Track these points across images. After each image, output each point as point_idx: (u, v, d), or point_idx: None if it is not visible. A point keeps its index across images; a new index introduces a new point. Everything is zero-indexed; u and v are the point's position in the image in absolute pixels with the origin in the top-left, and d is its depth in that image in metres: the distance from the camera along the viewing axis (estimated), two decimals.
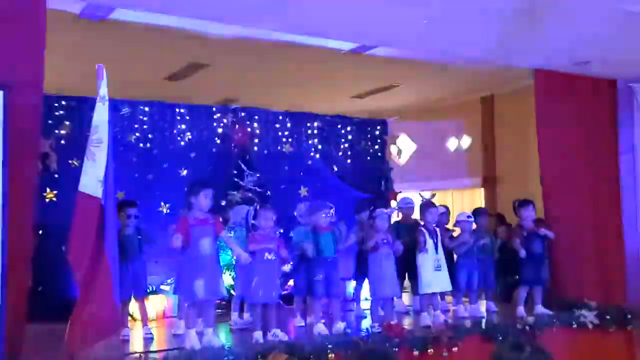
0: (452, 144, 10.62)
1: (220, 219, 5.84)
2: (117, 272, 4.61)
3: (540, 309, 6.63)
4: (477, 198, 10.68)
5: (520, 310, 6.61)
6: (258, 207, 6.08)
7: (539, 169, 7.50)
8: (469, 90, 10.04)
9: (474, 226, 7.02)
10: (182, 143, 7.71)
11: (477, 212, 7.25)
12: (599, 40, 6.52)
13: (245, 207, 6.78)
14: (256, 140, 8.18)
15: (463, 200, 10.87)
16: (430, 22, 5.88)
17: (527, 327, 5.94)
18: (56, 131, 7.01)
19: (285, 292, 7.34)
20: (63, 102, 7.08)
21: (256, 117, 8.24)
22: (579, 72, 7.50)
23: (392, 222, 6.99)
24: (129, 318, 6.07)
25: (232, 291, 6.68)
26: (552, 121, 7.48)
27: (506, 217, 8.25)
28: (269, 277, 5.55)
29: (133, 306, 6.13)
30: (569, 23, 6.03)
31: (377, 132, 9.19)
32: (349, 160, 8.90)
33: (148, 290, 6.38)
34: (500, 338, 5.58)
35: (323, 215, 5.95)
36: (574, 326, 6.25)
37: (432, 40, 6.50)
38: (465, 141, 10.51)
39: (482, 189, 10.55)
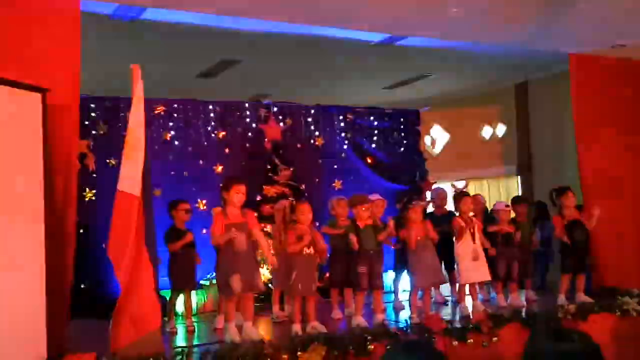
0: (486, 132, 10.51)
1: (255, 214, 5.88)
2: (157, 268, 4.68)
3: (582, 296, 6.52)
4: (513, 186, 10.56)
5: (562, 298, 6.52)
6: (294, 202, 6.10)
7: (576, 155, 7.37)
8: (502, 78, 9.92)
9: (513, 215, 6.94)
10: (217, 139, 7.78)
11: (515, 201, 7.16)
12: (635, 22, 6.38)
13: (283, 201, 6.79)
14: (289, 135, 8.21)
15: (499, 189, 10.75)
16: (460, 9, 5.82)
17: (569, 316, 5.86)
18: (93, 131, 7.12)
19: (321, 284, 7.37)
20: (99, 103, 7.19)
21: (288, 111, 8.27)
22: (615, 55, 7.34)
23: (426, 213, 6.97)
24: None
25: (270, 285, 6.73)
26: (588, 106, 7.35)
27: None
28: (308, 271, 5.58)
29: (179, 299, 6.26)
30: (603, 5, 5.90)
31: (410, 123, 9.13)
32: (382, 152, 8.87)
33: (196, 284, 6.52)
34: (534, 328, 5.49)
35: (363, 208, 5.93)
36: (617, 314, 6.13)
37: (464, 28, 6.43)
38: (500, 129, 10.39)
39: (518, 177, 10.43)
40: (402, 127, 9.05)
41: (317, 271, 5.77)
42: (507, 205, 6.88)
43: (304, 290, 5.54)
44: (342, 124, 8.61)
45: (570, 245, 6.56)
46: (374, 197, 6.45)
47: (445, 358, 1.84)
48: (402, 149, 9.02)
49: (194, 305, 6.53)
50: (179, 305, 6.29)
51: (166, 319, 5.86)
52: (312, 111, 8.44)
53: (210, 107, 7.80)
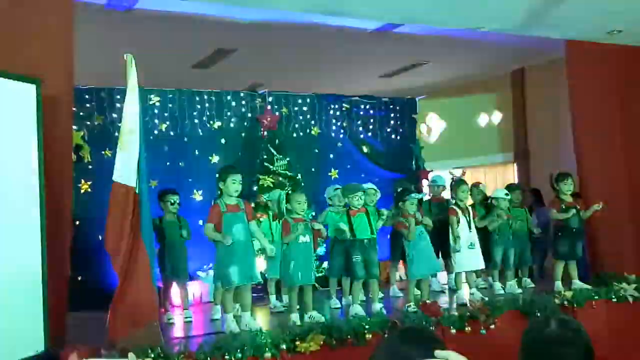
0: (483, 119, 10.50)
1: (252, 205, 5.87)
2: (154, 259, 4.68)
3: (578, 283, 6.54)
4: (510, 174, 10.56)
5: (558, 285, 6.54)
6: (290, 191, 6.09)
7: (572, 142, 7.37)
8: (499, 65, 9.88)
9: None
10: (212, 130, 7.75)
11: (510, 188, 7.16)
12: (631, 8, 6.35)
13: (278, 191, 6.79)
14: (285, 124, 8.19)
15: (496, 177, 10.75)
16: None
17: (566, 302, 5.88)
18: (88, 122, 7.10)
19: (320, 274, 7.38)
20: (93, 94, 7.15)
21: (284, 100, 8.25)
22: (612, 41, 7.32)
23: (423, 200, 7.00)
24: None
25: (265, 275, 6.73)
26: (585, 92, 7.32)
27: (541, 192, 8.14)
28: (306, 260, 5.59)
29: (173, 291, 6.26)
30: None
31: (407, 111, 9.11)
32: (378, 141, 8.86)
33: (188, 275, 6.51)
34: (538, 314, 5.52)
35: (356, 197, 5.94)
36: (613, 300, 6.16)
37: (460, 15, 6.39)
38: (496, 116, 10.38)
39: (515, 165, 10.43)
40: (398, 115, 9.03)
41: (314, 259, 5.78)
42: (506, 194, 6.88)
43: (303, 279, 5.55)
44: (338, 113, 8.59)
45: (563, 230, 6.60)
46: (367, 186, 6.45)
47: (443, 345, 1.83)
48: (398, 137, 9.01)
49: (190, 297, 6.53)
50: (176, 297, 6.29)
51: (163, 309, 5.86)
52: (308, 100, 8.42)
53: (206, 97, 7.79)
